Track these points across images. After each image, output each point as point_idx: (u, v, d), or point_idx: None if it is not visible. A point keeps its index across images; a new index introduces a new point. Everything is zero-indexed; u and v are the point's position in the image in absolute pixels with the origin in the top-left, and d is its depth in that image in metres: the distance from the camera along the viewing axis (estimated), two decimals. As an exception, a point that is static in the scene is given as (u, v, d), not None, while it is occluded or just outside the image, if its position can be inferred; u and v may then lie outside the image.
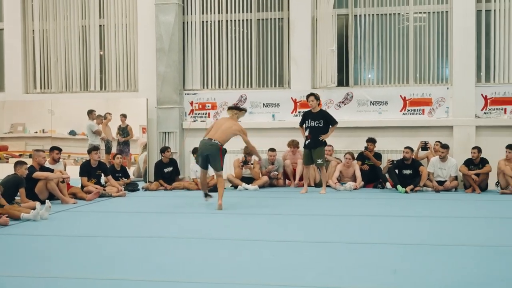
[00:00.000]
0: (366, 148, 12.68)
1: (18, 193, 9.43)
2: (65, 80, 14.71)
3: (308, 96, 11.72)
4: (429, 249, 6.30)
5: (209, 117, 14.05)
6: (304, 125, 11.74)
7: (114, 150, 14.16)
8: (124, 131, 14.24)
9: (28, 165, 9.95)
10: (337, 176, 12.47)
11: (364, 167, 12.67)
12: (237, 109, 9.99)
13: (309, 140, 11.48)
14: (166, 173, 12.79)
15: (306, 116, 11.72)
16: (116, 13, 14.44)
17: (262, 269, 5.47)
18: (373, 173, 12.68)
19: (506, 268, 5.43)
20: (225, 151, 9.27)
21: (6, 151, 14.48)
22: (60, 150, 11.53)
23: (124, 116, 14.17)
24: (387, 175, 12.30)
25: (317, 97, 11.69)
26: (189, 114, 14.18)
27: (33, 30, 14.75)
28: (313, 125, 11.47)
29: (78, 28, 14.63)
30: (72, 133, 14.39)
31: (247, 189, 12.32)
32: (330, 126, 11.57)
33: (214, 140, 9.08)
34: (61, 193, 10.28)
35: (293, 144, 12.82)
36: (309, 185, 12.14)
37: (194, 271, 5.40)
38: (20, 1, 14.60)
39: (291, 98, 13.49)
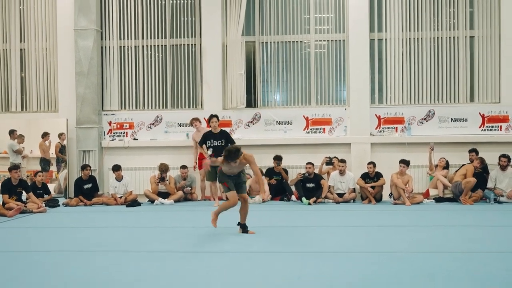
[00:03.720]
0: (278, 164, 13.26)
1: None
2: (-15, 100, 14.74)
3: (211, 117, 12.24)
4: (328, 256, 6.60)
5: (126, 136, 14.31)
6: (205, 145, 12.13)
7: (53, 168, 14.37)
8: (63, 149, 14.37)
9: None
10: (247, 190, 13.14)
11: (272, 181, 13.29)
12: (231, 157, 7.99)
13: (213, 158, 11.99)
14: (86, 189, 13.11)
15: (207, 137, 12.16)
16: (37, 38, 14.59)
17: (177, 277, 5.70)
18: (280, 186, 13.33)
19: (398, 271, 5.78)
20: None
21: None
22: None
23: (63, 135, 14.30)
24: (293, 188, 13.07)
25: (218, 118, 12.33)
26: (107, 134, 14.39)
27: (-47, 53, 14.74)
28: (215, 144, 11.99)
29: (-1, 52, 14.75)
30: (-6, 152, 14.38)
31: (163, 203, 12.80)
32: (230, 145, 12.12)
33: None
34: (-18, 210, 10.44)
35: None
36: (220, 198, 12.54)
37: (104, 282, 5.54)
38: None
39: (204, 118, 13.57)
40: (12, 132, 14.18)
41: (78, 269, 6.22)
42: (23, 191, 12.02)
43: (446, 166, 13.18)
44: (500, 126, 13.80)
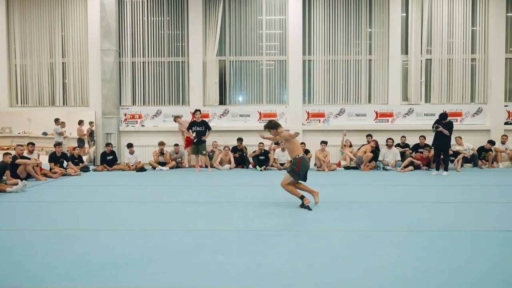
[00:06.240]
0: (240, 143, 13.22)
1: (5, 174, 9.38)
2: (38, 98, 14.38)
3: (195, 111, 12.38)
4: (277, 204, 6.66)
5: (137, 123, 14.10)
6: (191, 130, 12.21)
7: (86, 145, 14.07)
8: (93, 132, 14.10)
9: (12, 155, 9.91)
10: (219, 161, 13.02)
11: (236, 155, 13.27)
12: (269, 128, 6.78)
13: (196, 139, 12.11)
14: (108, 159, 12.99)
15: (192, 124, 12.25)
16: (74, 55, 14.27)
17: (169, 219, 5.76)
18: (241, 158, 13.35)
19: (318, 212, 5.85)
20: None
21: (-4, 146, 14.03)
22: (33, 144, 11.54)
23: (92, 123, 14.09)
24: (250, 159, 13.12)
25: (200, 112, 12.41)
26: (123, 122, 14.19)
27: (15, 65, 14.35)
28: (198, 129, 12.12)
29: (47, 64, 14.35)
30: (44, 134, 14.14)
31: (162, 169, 12.78)
32: (208, 130, 12.27)
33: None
34: (35, 173, 10.37)
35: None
36: (201, 166, 12.67)
37: (120, 223, 5.57)
38: (5, 44, 14.23)
39: (190, 112, 13.74)
40: (56, 120, 13.88)
41: (107, 214, 6.25)
42: (64, 161, 11.90)
43: (350, 145, 13.36)
44: (388, 119, 13.97)
